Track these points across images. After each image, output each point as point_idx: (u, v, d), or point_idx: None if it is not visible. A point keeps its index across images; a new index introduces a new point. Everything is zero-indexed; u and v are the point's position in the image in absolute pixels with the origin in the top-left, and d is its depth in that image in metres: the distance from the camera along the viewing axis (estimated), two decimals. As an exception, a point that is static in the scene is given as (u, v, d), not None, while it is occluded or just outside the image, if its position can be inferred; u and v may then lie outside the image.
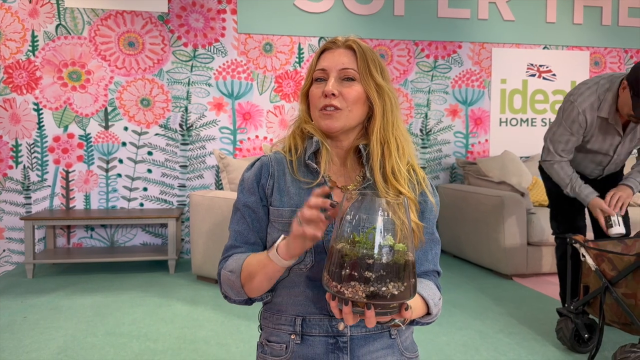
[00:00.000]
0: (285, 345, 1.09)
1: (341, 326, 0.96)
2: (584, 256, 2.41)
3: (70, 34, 4.28)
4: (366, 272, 0.83)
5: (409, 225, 0.89)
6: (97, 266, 4.23)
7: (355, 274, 0.83)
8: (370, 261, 0.83)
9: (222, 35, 4.51)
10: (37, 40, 4.24)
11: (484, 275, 4.02)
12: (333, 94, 1.07)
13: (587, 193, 2.57)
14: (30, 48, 4.23)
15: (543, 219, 3.91)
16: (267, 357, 1.12)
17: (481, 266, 4.24)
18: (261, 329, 1.18)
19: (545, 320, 2.97)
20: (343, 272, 0.84)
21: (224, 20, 4.51)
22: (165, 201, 4.49)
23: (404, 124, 1.16)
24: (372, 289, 0.82)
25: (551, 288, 3.63)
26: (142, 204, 4.45)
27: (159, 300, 3.31)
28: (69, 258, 3.91)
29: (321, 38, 4.65)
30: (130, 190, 4.44)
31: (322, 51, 1.14)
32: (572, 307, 2.51)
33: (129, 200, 4.44)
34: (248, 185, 1.14)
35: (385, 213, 0.87)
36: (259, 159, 1.17)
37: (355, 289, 0.83)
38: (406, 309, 0.88)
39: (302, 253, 0.95)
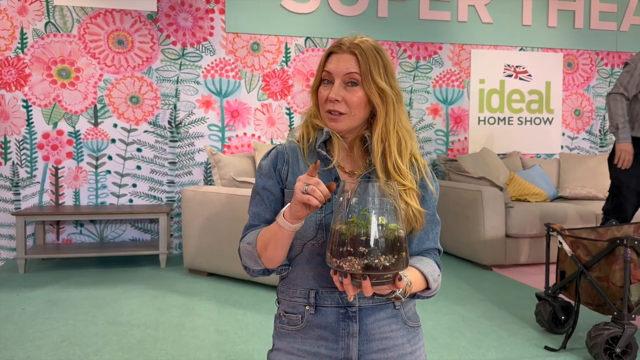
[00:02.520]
0: (300, 316, 1.22)
1: (350, 298, 1.05)
2: (560, 243, 2.59)
3: (59, 32, 4.32)
4: (360, 248, 0.96)
5: (398, 205, 1.03)
6: (88, 261, 4.28)
7: (352, 249, 0.96)
8: (364, 238, 0.96)
9: (211, 34, 4.61)
10: (26, 38, 4.27)
11: (464, 266, 4.21)
12: (337, 100, 1.17)
13: (625, 136, 3.21)
14: (19, 45, 4.26)
15: (520, 212, 4.11)
16: (285, 327, 1.25)
17: (462, 258, 4.43)
18: (278, 303, 1.30)
19: (524, 305, 3.15)
20: (341, 249, 0.98)
21: (212, 19, 4.61)
22: (155, 197, 4.56)
23: (408, 118, 1.26)
24: (366, 261, 0.95)
25: (529, 277, 3.83)
26: (131, 200, 4.52)
27: (154, 292, 3.40)
28: (61, 253, 3.96)
29: (307, 38, 4.78)
30: (120, 186, 4.50)
31: (329, 54, 1.22)
32: (549, 291, 2.69)
33: (118, 196, 4.49)
34: (265, 170, 1.25)
35: (377, 195, 1.01)
36: (275, 148, 1.29)
37: (352, 262, 0.96)
38: (400, 279, 1.00)
39: (304, 216, 1.07)
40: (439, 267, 1.24)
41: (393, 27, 4.98)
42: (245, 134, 4.71)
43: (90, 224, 4.44)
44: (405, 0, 4.98)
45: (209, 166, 4.64)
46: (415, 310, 1.30)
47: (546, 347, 2.51)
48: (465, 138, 5.26)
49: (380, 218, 0.98)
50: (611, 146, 5.27)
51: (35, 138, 4.33)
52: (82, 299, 3.24)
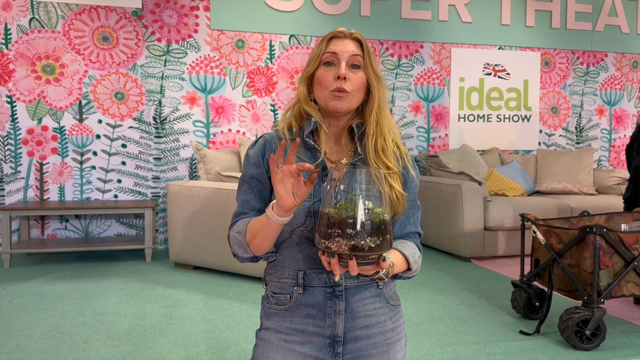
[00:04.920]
0: (289, 296, 1.28)
1: (337, 278, 1.11)
2: (535, 232, 2.71)
3: (44, 28, 4.33)
4: (348, 230, 1.03)
5: (384, 191, 1.10)
6: (74, 256, 4.30)
7: (340, 231, 1.03)
8: (351, 221, 1.03)
9: (196, 31, 4.65)
10: (10, 34, 4.27)
11: (444, 258, 4.32)
12: (345, 78, 1.23)
13: None
14: (3, 41, 4.27)
15: (499, 206, 4.24)
16: (273, 307, 1.30)
17: (442, 250, 4.54)
18: (266, 284, 1.36)
19: (501, 294, 3.27)
20: (330, 231, 1.04)
21: (197, 16, 4.65)
22: (140, 193, 4.59)
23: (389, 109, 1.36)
24: (352, 242, 1.02)
25: (506, 268, 3.95)
26: (116, 196, 4.55)
27: (141, 285, 3.44)
28: (47, 248, 3.98)
29: (292, 36, 4.85)
30: (105, 182, 4.52)
31: (331, 38, 1.29)
32: (524, 279, 2.81)
33: (103, 192, 4.52)
34: (254, 159, 1.30)
35: (364, 181, 1.07)
36: (262, 137, 1.34)
37: (340, 243, 1.03)
38: (384, 260, 1.07)
39: (290, 206, 1.11)
40: (419, 249, 1.31)
41: (375, 26, 5.07)
42: (230, 130, 4.77)
43: (75, 219, 4.46)
44: (387, 0, 5.08)
45: (194, 162, 4.69)
46: (395, 290, 1.37)
47: (521, 332, 2.62)
48: (446, 135, 5.38)
49: (366, 202, 1.05)
50: (585, 142, 5.46)
51: (20, 134, 4.34)
52: (68, 292, 3.28)
